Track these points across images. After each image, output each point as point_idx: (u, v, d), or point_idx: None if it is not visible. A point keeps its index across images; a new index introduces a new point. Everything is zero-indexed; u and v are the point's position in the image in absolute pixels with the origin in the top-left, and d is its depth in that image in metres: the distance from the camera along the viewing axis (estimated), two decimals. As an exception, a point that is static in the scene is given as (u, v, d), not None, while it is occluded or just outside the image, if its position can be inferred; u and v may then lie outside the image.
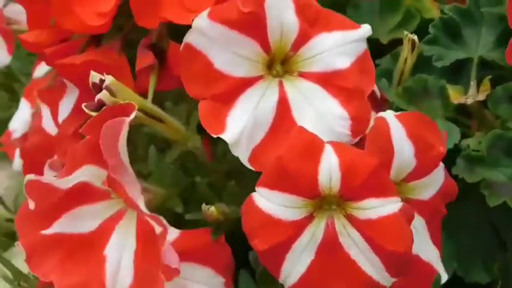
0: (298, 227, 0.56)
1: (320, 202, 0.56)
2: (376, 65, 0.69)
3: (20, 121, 0.92)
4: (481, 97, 0.71)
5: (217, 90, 0.59)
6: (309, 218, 0.56)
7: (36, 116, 0.81)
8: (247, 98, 0.59)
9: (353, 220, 0.56)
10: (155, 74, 0.70)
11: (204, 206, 0.58)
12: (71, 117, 0.76)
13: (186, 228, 0.61)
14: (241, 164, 0.58)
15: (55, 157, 0.73)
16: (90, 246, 0.57)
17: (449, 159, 0.66)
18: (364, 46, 0.62)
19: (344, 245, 0.56)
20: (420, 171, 0.61)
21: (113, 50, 0.72)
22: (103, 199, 0.58)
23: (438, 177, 0.62)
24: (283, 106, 0.60)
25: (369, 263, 0.56)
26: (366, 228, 0.56)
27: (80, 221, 0.58)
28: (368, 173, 0.55)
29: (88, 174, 0.58)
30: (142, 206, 0.53)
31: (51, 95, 0.78)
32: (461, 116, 0.74)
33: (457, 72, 0.76)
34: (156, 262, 0.53)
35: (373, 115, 0.62)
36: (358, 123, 0.60)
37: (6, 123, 0.98)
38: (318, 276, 0.56)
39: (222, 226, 0.61)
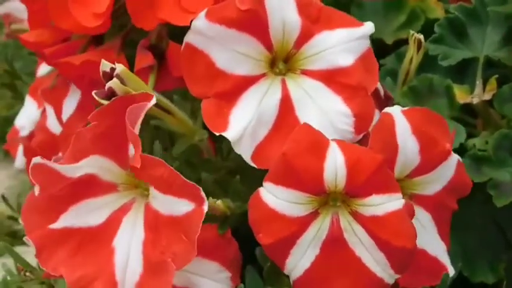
0: (303, 223, 0.56)
1: (325, 198, 0.56)
2: (381, 65, 0.69)
3: (27, 119, 0.93)
4: (487, 96, 0.71)
5: (219, 88, 0.59)
6: (314, 214, 0.56)
7: (42, 114, 0.81)
8: (250, 96, 0.60)
9: (357, 216, 0.56)
10: (154, 74, 0.70)
11: (210, 199, 0.58)
12: (75, 115, 0.76)
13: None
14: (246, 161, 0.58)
15: (60, 154, 0.73)
16: (98, 239, 0.57)
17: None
18: (367, 43, 0.62)
19: (348, 242, 0.56)
20: (425, 167, 0.60)
21: (112, 50, 0.73)
22: (110, 192, 0.58)
23: (444, 172, 0.62)
24: (286, 104, 0.60)
25: (373, 260, 0.56)
26: (371, 224, 0.56)
27: (87, 214, 0.58)
28: (373, 170, 0.55)
29: (96, 166, 0.57)
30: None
31: (54, 94, 0.78)
32: (467, 115, 0.74)
33: (462, 72, 0.77)
34: (166, 250, 0.53)
35: (376, 113, 0.62)
36: (361, 120, 0.60)
37: (9, 121, 0.99)
38: (323, 271, 0.56)
39: (228, 221, 0.61)
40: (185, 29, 0.59)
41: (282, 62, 0.62)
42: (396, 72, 0.76)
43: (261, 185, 0.56)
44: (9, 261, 0.71)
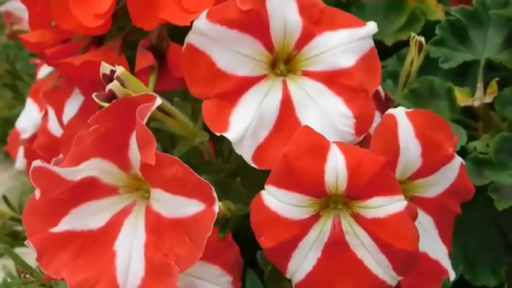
0: (304, 226, 0.55)
1: (327, 201, 0.56)
2: (382, 67, 0.69)
3: (28, 121, 0.92)
4: (488, 99, 0.71)
5: (220, 89, 0.59)
6: (316, 217, 0.56)
7: (44, 116, 0.81)
8: (250, 97, 0.59)
9: (359, 219, 0.56)
10: (155, 74, 0.70)
11: None
12: (77, 117, 0.76)
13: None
14: (247, 162, 0.58)
15: (60, 156, 0.73)
16: (100, 242, 0.57)
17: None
18: (370, 44, 0.61)
19: (350, 244, 0.56)
20: (427, 169, 0.60)
21: (113, 50, 0.73)
22: (110, 195, 0.58)
23: (447, 175, 0.62)
24: (287, 105, 0.60)
25: (375, 262, 0.56)
26: (372, 227, 0.55)
27: (88, 217, 0.58)
28: (375, 172, 0.55)
29: (96, 168, 0.57)
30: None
31: (56, 96, 0.78)
32: (468, 118, 0.74)
33: (463, 74, 0.76)
34: (169, 253, 0.53)
35: (377, 115, 0.62)
36: (362, 122, 0.60)
37: (10, 122, 0.98)
38: (325, 274, 0.56)
39: (229, 224, 0.61)
40: (185, 30, 0.59)
41: (283, 63, 0.61)
42: (397, 74, 0.76)
43: (262, 187, 0.56)
44: (10, 263, 0.71)
